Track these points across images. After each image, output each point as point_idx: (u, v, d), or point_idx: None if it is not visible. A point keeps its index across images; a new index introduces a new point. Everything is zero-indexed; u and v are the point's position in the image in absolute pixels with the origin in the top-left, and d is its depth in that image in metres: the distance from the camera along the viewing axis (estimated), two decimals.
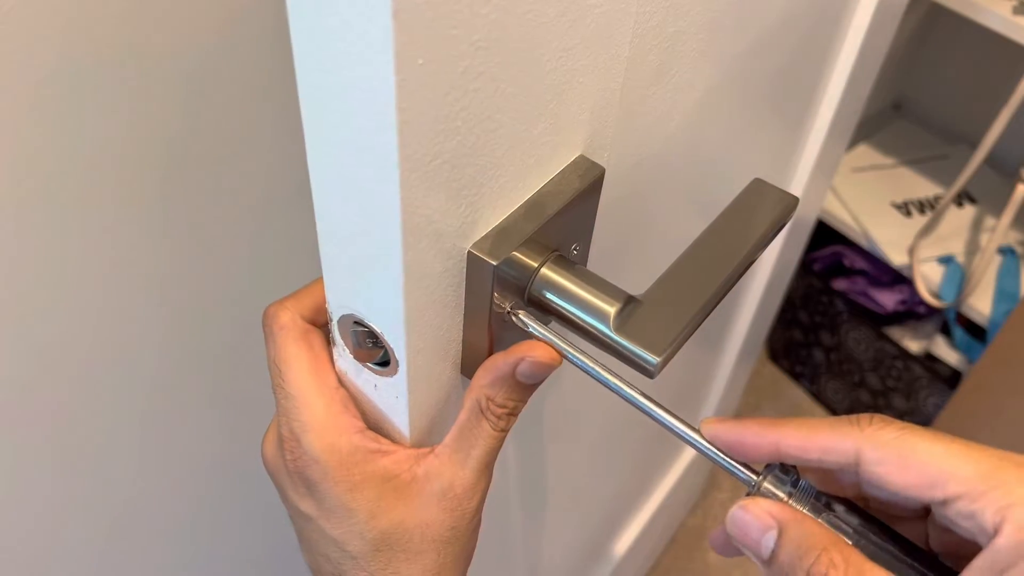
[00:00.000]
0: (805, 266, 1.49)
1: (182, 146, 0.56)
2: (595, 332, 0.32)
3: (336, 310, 0.30)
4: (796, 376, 1.60)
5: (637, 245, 0.49)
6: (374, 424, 0.34)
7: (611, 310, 0.31)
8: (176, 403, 0.69)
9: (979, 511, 0.24)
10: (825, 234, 1.41)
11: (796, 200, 0.38)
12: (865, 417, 0.27)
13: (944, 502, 0.24)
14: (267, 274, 0.70)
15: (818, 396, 1.58)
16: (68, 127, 0.49)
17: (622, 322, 0.31)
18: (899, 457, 0.25)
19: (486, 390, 0.32)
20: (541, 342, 0.31)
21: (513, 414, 0.33)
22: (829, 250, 1.46)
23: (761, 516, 0.28)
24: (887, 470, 0.25)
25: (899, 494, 0.26)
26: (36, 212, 0.50)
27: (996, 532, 0.23)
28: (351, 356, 0.31)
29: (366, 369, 0.31)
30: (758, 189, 0.38)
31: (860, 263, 1.43)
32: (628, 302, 0.32)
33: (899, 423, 0.26)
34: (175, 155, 0.56)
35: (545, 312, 0.33)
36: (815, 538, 0.27)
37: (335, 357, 0.33)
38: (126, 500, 0.71)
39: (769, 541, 0.28)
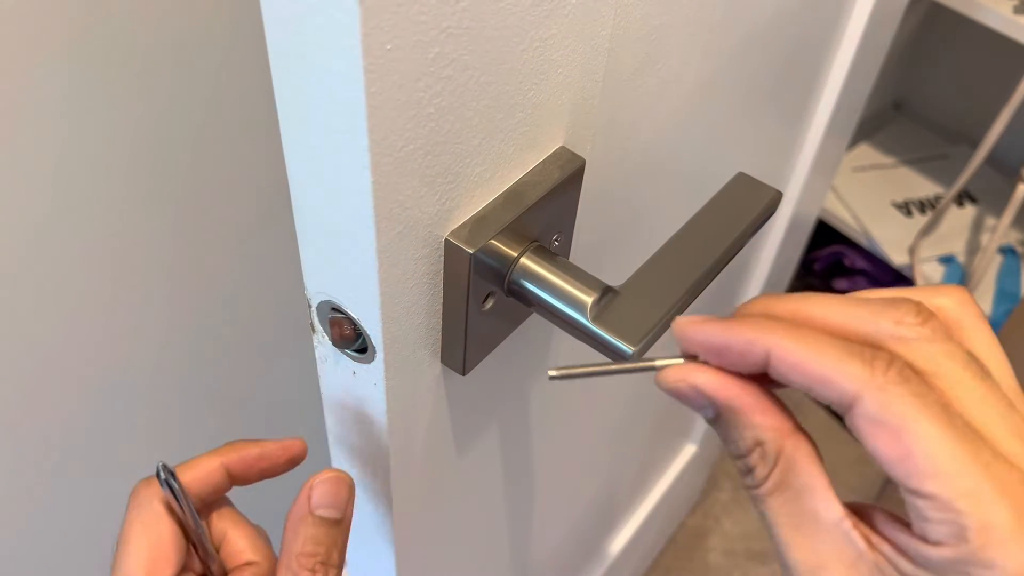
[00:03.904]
0: (805, 266, 1.49)
1: (185, 145, 0.56)
2: (572, 321, 0.32)
3: (314, 296, 0.31)
4: None
5: (623, 238, 0.49)
6: (350, 419, 0.34)
7: (588, 300, 0.32)
8: (177, 401, 0.70)
9: (940, 521, 0.21)
10: (826, 234, 1.41)
11: (779, 194, 0.38)
12: (883, 358, 0.22)
13: (913, 491, 0.22)
14: (270, 273, 0.70)
15: None
16: (70, 127, 0.49)
17: (599, 312, 0.31)
18: (897, 432, 0.22)
19: (290, 544, 0.30)
20: (331, 470, 0.30)
21: (330, 564, 0.30)
22: (829, 250, 1.46)
23: (692, 397, 0.25)
24: (875, 433, 0.22)
25: (870, 452, 0.22)
26: (38, 211, 0.51)
27: (941, 544, 0.21)
28: (330, 343, 0.32)
29: (344, 356, 0.32)
30: (742, 183, 0.38)
31: (861, 263, 1.43)
32: (605, 292, 0.32)
33: (916, 383, 0.22)
34: (178, 154, 0.56)
35: (524, 302, 0.33)
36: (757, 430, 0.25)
37: (315, 344, 0.33)
38: (119, 496, 0.71)
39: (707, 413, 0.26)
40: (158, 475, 0.32)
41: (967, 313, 0.25)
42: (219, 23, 0.52)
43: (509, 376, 0.43)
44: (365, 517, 0.40)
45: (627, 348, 0.30)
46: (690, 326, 0.25)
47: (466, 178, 0.29)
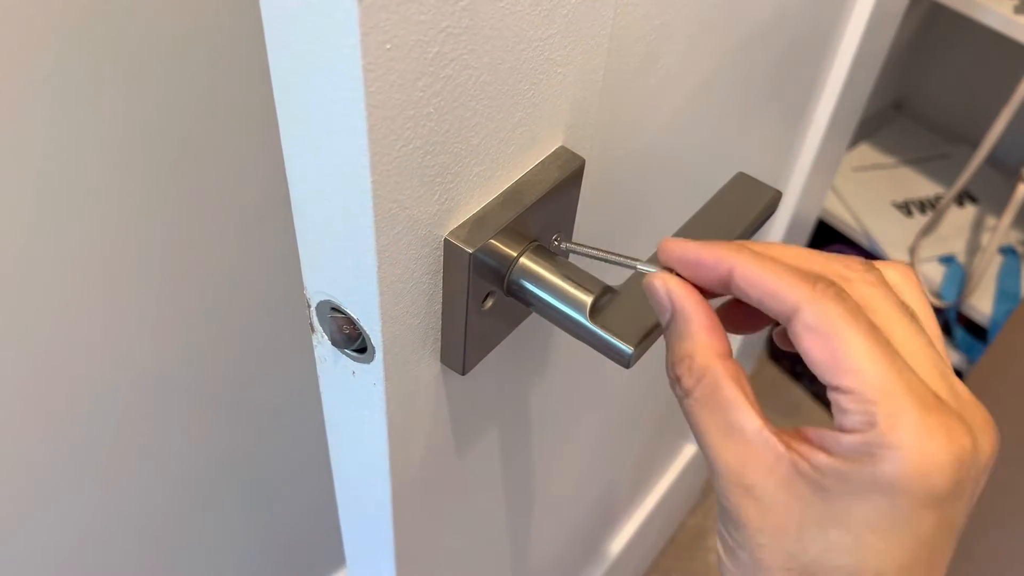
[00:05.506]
0: None
1: (183, 144, 0.56)
2: (572, 321, 0.32)
3: (313, 296, 0.31)
4: (796, 376, 1.60)
5: (624, 238, 0.49)
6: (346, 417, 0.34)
7: (587, 300, 0.32)
8: (175, 402, 0.70)
9: (854, 411, 0.25)
10: (826, 234, 1.41)
11: (779, 194, 0.38)
12: (825, 281, 0.26)
13: (835, 387, 0.25)
14: (269, 273, 0.70)
15: (818, 396, 1.58)
16: (68, 127, 0.49)
17: (598, 312, 0.31)
18: (827, 337, 0.25)
19: None
20: None
21: None
22: (830, 249, 1.46)
23: (662, 296, 0.29)
24: (809, 338, 0.26)
25: (804, 354, 0.26)
26: (36, 211, 0.51)
27: (852, 431, 0.25)
28: (329, 343, 0.32)
29: (344, 356, 0.32)
30: (742, 183, 0.38)
31: None
32: (605, 292, 0.32)
33: (850, 304, 0.26)
34: (175, 153, 0.56)
35: (524, 302, 0.33)
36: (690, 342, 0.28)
37: (314, 344, 0.33)
38: (122, 496, 0.71)
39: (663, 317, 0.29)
40: None
41: (909, 284, 0.29)
42: (217, 21, 0.52)
43: (509, 376, 0.43)
44: (364, 517, 0.40)
45: (626, 348, 0.30)
46: (671, 243, 0.30)
47: (465, 178, 0.29)
